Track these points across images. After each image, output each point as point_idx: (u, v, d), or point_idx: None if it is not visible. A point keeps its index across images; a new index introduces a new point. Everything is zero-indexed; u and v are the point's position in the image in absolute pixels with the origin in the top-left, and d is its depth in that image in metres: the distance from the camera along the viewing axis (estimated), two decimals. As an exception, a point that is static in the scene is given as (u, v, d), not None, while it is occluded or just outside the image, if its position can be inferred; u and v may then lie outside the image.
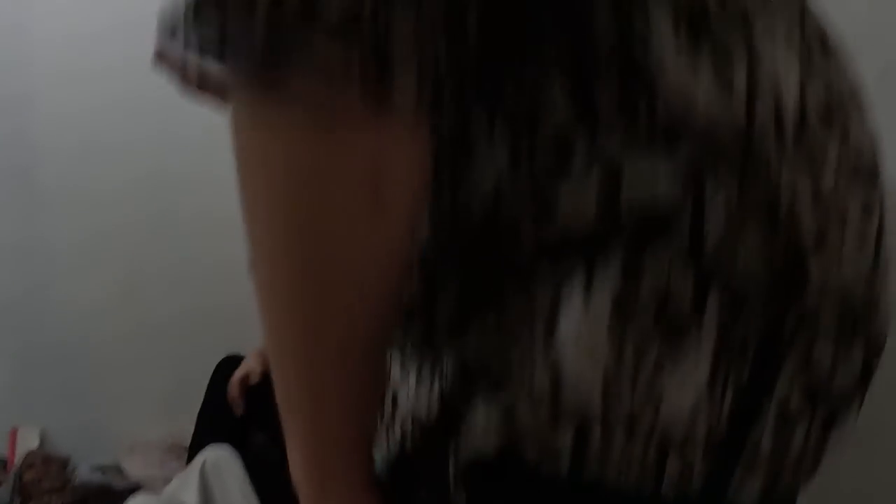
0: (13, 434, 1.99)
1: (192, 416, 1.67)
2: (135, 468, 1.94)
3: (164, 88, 1.95)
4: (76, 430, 2.02)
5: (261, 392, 1.50)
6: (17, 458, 1.93)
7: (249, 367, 1.55)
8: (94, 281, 2.01)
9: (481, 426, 0.37)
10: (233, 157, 0.35)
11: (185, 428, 1.76)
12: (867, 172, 0.41)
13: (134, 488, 1.77)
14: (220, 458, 1.38)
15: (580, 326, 0.36)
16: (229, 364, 1.64)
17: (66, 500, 1.77)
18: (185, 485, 1.36)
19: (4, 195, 1.97)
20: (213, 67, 0.34)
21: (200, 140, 1.97)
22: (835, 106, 0.40)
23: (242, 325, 1.98)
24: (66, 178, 1.97)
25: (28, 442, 1.99)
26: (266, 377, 1.46)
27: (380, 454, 0.42)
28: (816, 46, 0.41)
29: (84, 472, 1.88)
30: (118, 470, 1.96)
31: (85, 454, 1.99)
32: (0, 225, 1.96)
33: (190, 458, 1.51)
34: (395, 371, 0.41)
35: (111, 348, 2.04)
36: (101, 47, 1.92)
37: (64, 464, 1.89)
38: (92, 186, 1.98)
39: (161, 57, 0.54)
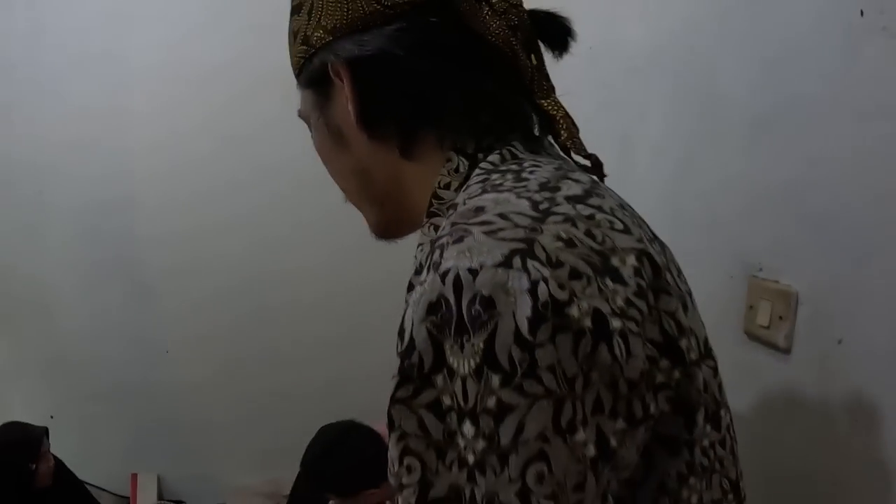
0: (134, 478, 2.25)
1: (286, 470, 1.87)
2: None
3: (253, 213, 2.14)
4: (188, 478, 2.28)
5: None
6: (139, 500, 2.21)
7: None
8: (200, 358, 2.25)
9: None
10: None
11: (281, 478, 2.02)
12: None
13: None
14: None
15: None
16: (330, 428, 1.83)
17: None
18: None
19: (120, 286, 2.18)
20: None
21: (290, 238, 2.20)
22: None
23: (324, 397, 2.21)
24: (172, 266, 2.19)
25: (147, 486, 2.25)
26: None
27: None
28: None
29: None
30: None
31: (196, 499, 2.28)
32: (117, 313, 2.17)
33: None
34: None
35: (218, 413, 2.28)
36: (193, 145, 2.16)
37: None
38: (195, 276, 2.21)
39: None
